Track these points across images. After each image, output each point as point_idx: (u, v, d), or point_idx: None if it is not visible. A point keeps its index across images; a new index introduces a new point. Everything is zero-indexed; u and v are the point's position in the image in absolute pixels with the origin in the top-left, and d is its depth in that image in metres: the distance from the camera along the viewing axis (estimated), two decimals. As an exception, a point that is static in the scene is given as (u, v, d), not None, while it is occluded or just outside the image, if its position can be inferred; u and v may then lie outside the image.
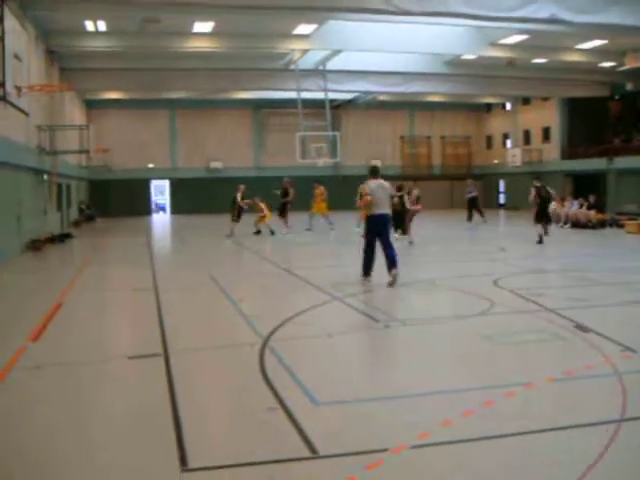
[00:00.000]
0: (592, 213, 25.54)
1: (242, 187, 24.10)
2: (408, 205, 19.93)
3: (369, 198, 11.93)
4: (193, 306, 10.69)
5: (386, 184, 12.35)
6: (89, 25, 22.61)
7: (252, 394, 5.96)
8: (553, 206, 27.37)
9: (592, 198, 26.30)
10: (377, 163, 45.29)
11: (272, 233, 23.54)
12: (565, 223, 26.19)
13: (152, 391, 6.10)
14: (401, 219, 19.94)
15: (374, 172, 12.49)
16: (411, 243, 19.67)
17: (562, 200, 27.93)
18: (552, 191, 20.67)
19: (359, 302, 10.26)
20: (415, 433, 4.90)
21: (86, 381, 6.66)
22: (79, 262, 17.35)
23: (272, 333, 8.11)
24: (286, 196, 24.94)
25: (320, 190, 25.47)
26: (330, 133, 31.33)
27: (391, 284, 11.68)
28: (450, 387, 6.09)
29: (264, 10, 18.52)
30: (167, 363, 6.89)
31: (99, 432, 5.24)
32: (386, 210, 12.20)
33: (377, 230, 12.08)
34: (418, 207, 20.98)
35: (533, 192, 19.68)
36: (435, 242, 21.31)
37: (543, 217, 19.79)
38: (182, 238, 25.11)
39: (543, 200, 19.71)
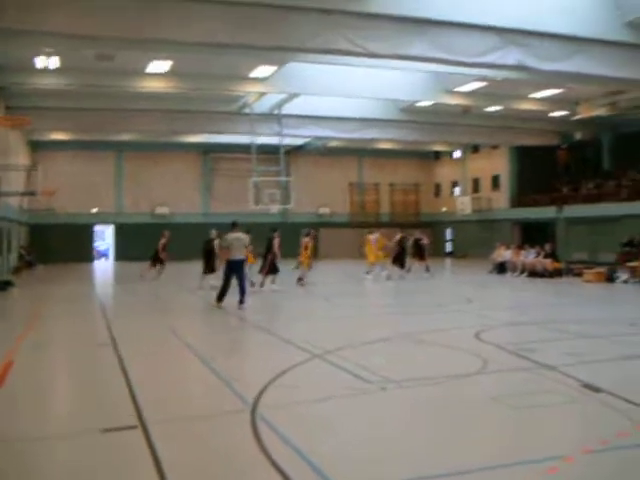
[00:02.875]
0: (548, 262, 25.36)
1: (167, 233, 25.32)
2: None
3: (225, 251, 15.45)
4: (160, 365, 9.67)
5: (242, 236, 15.52)
6: (39, 62, 21.59)
7: None
8: (509, 255, 27.29)
9: (548, 247, 26.20)
10: (325, 211, 45.11)
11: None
12: (522, 272, 25.93)
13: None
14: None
15: (234, 225, 15.63)
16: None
17: (519, 249, 27.76)
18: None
19: (342, 360, 9.45)
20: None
21: (53, 461, 5.66)
22: (26, 314, 16.09)
23: (258, 399, 7.25)
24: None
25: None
26: (284, 179, 30.80)
27: (239, 307, 15.11)
28: (483, 463, 5.33)
29: (228, 49, 17.79)
30: (148, 439, 5.93)
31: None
32: (240, 256, 15.37)
33: (232, 271, 15.26)
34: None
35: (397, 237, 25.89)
36: (398, 292, 20.81)
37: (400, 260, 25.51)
38: (131, 288, 23.86)
39: (403, 247, 25.72)
